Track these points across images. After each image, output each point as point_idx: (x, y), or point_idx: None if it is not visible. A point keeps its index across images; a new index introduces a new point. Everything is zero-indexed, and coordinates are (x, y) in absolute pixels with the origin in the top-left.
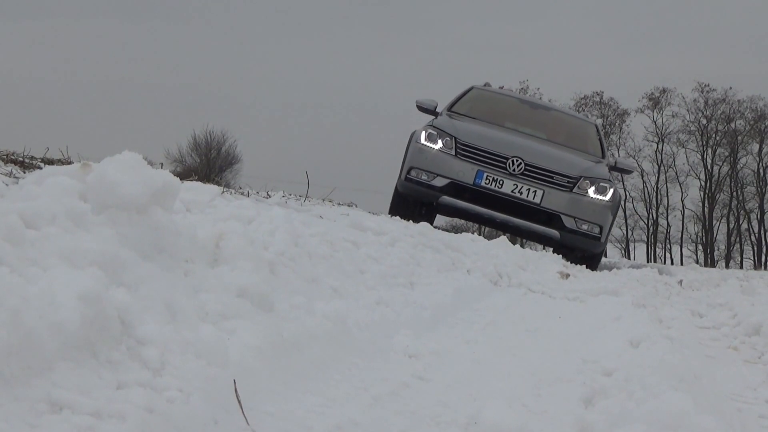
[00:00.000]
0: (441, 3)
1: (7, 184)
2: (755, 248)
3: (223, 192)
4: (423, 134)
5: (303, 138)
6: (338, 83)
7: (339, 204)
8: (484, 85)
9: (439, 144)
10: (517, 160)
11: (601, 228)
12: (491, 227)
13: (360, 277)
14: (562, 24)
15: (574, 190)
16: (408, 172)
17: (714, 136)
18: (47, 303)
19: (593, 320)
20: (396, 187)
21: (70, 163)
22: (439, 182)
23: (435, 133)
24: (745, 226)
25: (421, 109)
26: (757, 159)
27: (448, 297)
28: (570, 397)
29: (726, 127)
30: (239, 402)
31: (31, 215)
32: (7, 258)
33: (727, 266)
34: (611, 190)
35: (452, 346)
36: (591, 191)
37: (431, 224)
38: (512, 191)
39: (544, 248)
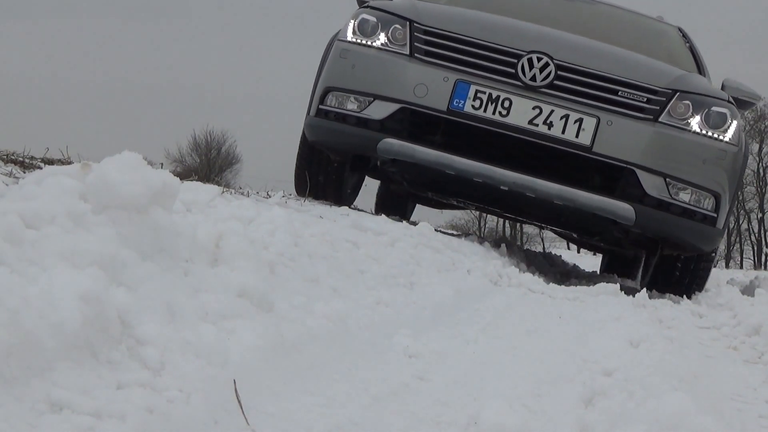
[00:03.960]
0: None
1: (7, 184)
2: (755, 248)
3: (223, 192)
4: (352, 25)
5: None
6: None
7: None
8: None
9: (382, 38)
10: (539, 59)
11: (718, 199)
12: (487, 206)
13: (360, 277)
14: None
15: (661, 119)
16: (322, 100)
17: None
18: (47, 303)
19: (593, 320)
20: (302, 134)
21: (70, 163)
22: (379, 110)
23: (374, 19)
24: (745, 226)
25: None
26: (757, 159)
27: (448, 297)
28: (570, 397)
29: None
30: (239, 402)
31: (31, 215)
32: (7, 258)
33: (727, 266)
34: (734, 124)
35: (452, 346)
36: (696, 122)
37: (406, 218)
38: (530, 121)
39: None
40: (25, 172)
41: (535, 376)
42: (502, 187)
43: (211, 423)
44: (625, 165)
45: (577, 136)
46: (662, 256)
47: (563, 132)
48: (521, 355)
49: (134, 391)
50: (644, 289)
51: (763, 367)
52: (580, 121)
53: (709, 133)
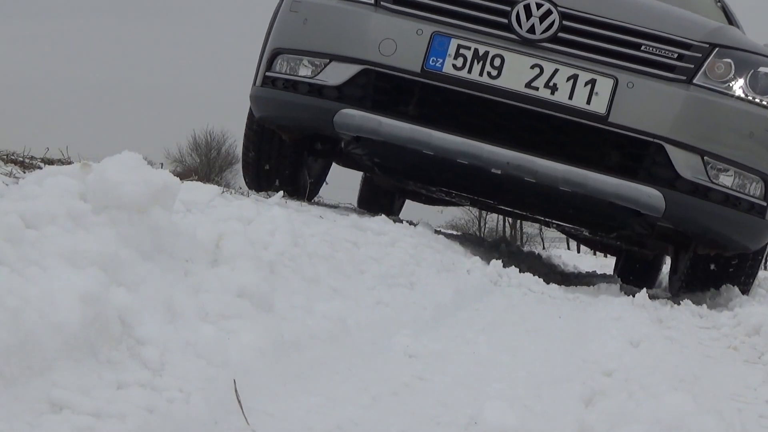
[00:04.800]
0: None
1: (7, 184)
2: None
3: (223, 192)
4: None
5: None
6: None
7: (339, 204)
8: None
9: None
10: (539, 5)
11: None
12: (477, 197)
13: (360, 278)
14: None
15: (695, 80)
16: (269, 65)
17: None
18: (47, 303)
19: (593, 320)
20: (249, 111)
21: (70, 163)
22: (337, 74)
23: None
24: None
25: None
26: None
27: (448, 297)
28: (570, 397)
29: None
30: (239, 402)
31: (31, 215)
32: (7, 258)
33: None
34: None
35: (452, 346)
36: (739, 85)
37: (394, 215)
38: (528, 84)
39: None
40: (25, 172)
41: (535, 376)
42: (493, 171)
43: (211, 423)
44: (651, 139)
45: (588, 102)
46: (696, 257)
47: (570, 97)
48: (521, 355)
49: (134, 391)
50: (644, 289)
51: (763, 367)
52: (593, 83)
53: (757, 99)
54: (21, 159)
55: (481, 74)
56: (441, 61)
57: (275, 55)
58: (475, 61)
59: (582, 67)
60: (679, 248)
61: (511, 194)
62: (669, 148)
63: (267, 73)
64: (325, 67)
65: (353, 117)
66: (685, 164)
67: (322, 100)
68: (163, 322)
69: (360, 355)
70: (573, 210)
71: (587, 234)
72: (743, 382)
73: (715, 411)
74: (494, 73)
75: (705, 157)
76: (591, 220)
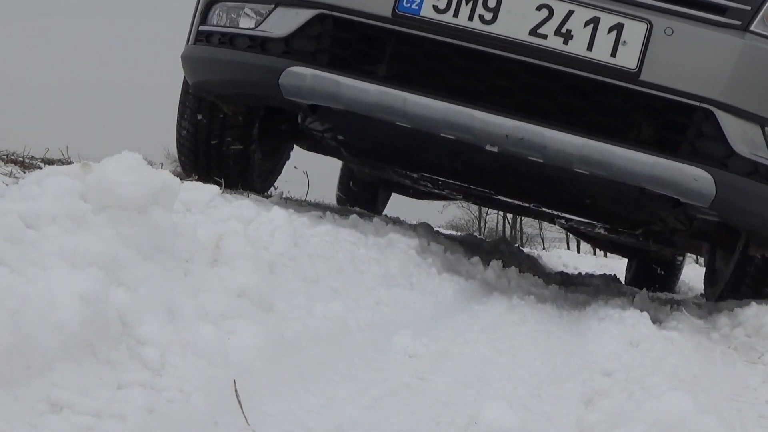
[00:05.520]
0: None
1: (7, 184)
2: None
3: (222, 192)
4: None
5: None
6: None
7: (339, 204)
8: None
9: None
10: None
11: None
12: (469, 186)
13: (360, 278)
14: None
15: (753, 27)
16: (204, 18)
17: None
18: (47, 303)
19: (593, 320)
20: (184, 81)
21: (70, 163)
22: (284, 23)
23: None
24: None
25: None
26: None
27: (448, 297)
28: (570, 397)
29: None
30: (239, 402)
31: (31, 215)
32: (7, 258)
33: None
34: None
35: (452, 347)
36: None
37: (378, 211)
38: (533, 31)
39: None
40: (25, 172)
41: (535, 377)
42: (488, 148)
43: (211, 423)
44: (696, 103)
45: (613, 54)
46: (745, 258)
47: (590, 48)
48: (521, 356)
49: (134, 391)
50: (644, 289)
51: (763, 368)
52: (619, 28)
53: None
54: (21, 159)
55: (470, 18)
56: (418, 1)
57: (210, 4)
58: (463, 1)
59: (605, 7)
60: (719, 247)
61: (510, 181)
62: (720, 115)
63: (201, 27)
64: (269, 14)
65: (304, 77)
66: (740, 137)
67: (264, 57)
68: (163, 322)
69: (360, 355)
70: (590, 199)
71: (602, 231)
72: (743, 382)
73: (715, 411)
74: (488, 16)
75: (767, 128)
76: (613, 213)
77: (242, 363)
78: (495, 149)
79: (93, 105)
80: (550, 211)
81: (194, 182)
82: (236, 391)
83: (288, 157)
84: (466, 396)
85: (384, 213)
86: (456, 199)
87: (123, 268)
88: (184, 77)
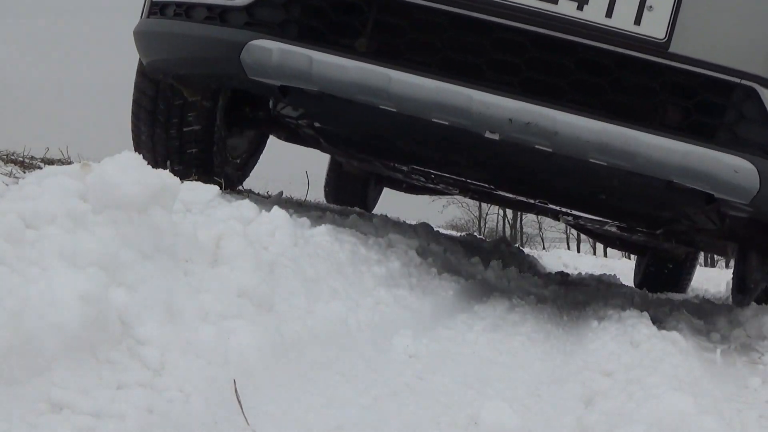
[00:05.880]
0: None
1: (7, 184)
2: None
3: (222, 192)
4: None
5: None
6: None
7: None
8: None
9: None
10: None
11: None
12: (467, 181)
13: (360, 278)
14: None
15: None
16: None
17: None
18: (47, 303)
19: (593, 320)
20: (139, 63)
21: (70, 163)
22: None
23: None
24: None
25: None
26: None
27: (448, 298)
28: (570, 397)
29: None
30: (239, 402)
31: (31, 215)
32: (7, 258)
33: (727, 266)
34: None
35: (452, 347)
36: None
37: (368, 208)
38: None
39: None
40: (25, 172)
41: (534, 377)
42: (488, 135)
43: (211, 423)
44: (736, 79)
45: (637, 22)
46: None
47: (609, 15)
48: (521, 356)
49: (134, 391)
50: (644, 289)
51: (763, 368)
52: None
53: None
54: (21, 159)
55: None
56: None
57: None
58: None
59: None
60: (753, 250)
61: (513, 173)
62: (765, 93)
63: None
64: None
65: (270, 53)
66: None
67: (223, 29)
68: (163, 322)
69: (360, 355)
70: (606, 195)
71: (613, 228)
72: (743, 382)
73: (715, 411)
74: None
75: None
76: (631, 211)
77: (242, 363)
78: (496, 137)
79: (93, 105)
80: (556, 207)
81: (194, 182)
82: (236, 391)
83: (261, 149)
84: (466, 396)
85: (385, 214)
86: (453, 194)
87: (123, 268)
88: (139, 60)
